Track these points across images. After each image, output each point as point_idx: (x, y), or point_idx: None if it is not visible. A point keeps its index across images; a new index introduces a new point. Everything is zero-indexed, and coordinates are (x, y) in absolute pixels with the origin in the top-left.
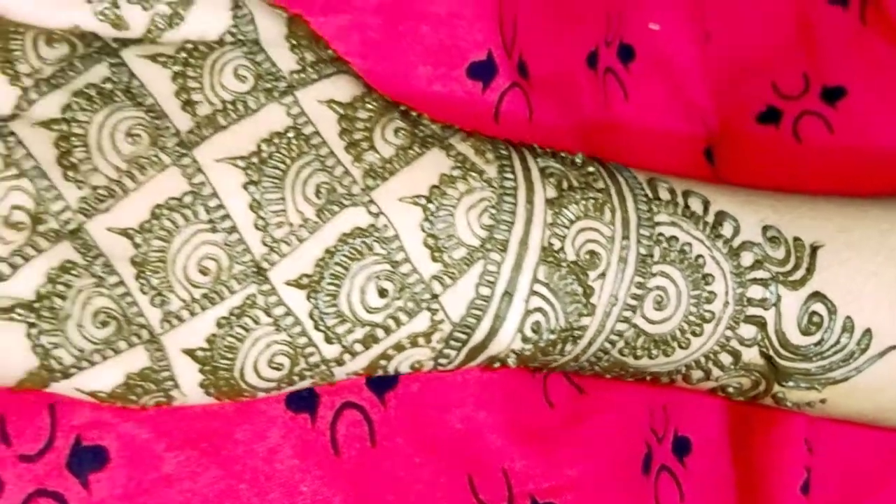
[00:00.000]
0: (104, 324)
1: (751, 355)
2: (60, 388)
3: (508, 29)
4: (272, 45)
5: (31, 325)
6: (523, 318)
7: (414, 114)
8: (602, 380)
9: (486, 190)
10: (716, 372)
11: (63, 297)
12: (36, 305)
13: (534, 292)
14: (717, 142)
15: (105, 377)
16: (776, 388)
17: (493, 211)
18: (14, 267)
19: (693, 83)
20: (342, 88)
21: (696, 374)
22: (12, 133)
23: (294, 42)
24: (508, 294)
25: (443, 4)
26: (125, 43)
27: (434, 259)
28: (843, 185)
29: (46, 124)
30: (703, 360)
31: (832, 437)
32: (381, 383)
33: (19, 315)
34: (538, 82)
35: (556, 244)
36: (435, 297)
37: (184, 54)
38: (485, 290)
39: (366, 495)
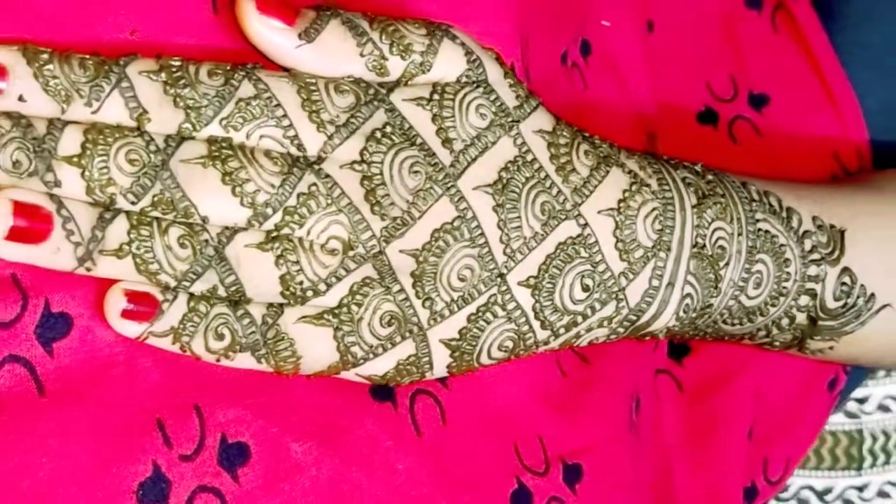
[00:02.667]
0: (389, 324)
1: (801, 318)
2: (346, 374)
3: (524, 43)
4: (497, 83)
5: (337, 328)
6: (680, 302)
7: (586, 134)
8: (601, 350)
9: (655, 201)
10: (774, 332)
11: (359, 305)
12: (337, 311)
13: (686, 281)
14: (657, 131)
15: (381, 365)
16: (807, 341)
17: (661, 218)
18: (329, 286)
19: (635, 76)
20: (545, 118)
21: (761, 333)
22: (328, 175)
23: (511, 81)
24: (671, 284)
25: (477, 23)
26: (385, 87)
27: (621, 259)
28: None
29: (351, 166)
30: (770, 323)
31: (772, 388)
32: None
33: (327, 320)
34: (536, 85)
35: (700, 241)
36: (622, 289)
37: (437, 96)
38: (655, 282)
39: (445, 467)
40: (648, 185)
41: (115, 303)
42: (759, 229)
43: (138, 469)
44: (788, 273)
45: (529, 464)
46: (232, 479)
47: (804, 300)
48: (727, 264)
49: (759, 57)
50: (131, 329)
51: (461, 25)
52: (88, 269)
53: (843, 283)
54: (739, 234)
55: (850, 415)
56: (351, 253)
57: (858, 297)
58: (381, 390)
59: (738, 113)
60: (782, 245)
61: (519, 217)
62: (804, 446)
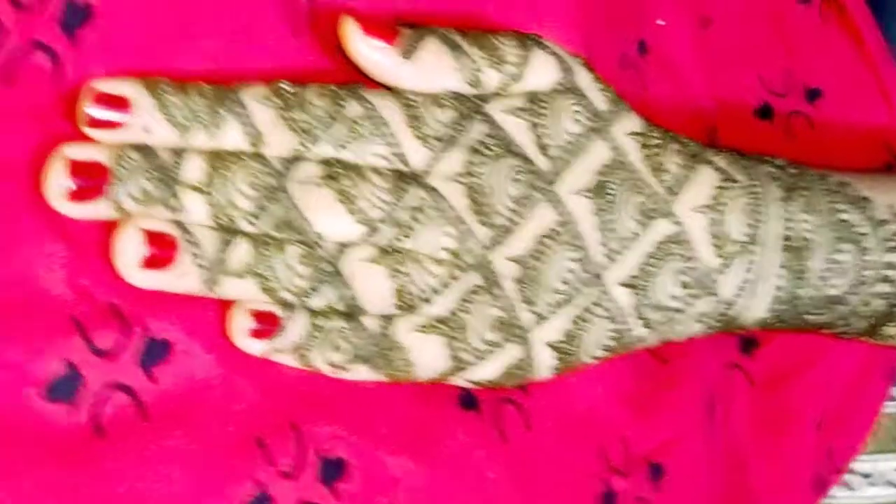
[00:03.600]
0: (496, 329)
1: (878, 305)
2: (454, 380)
3: (588, 48)
4: (589, 89)
5: (447, 335)
6: (771, 294)
7: (674, 133)
8: (679, 349)
9: (745, 196)
10: (853, 320)
11: (467, 312)
12: (446, 319)
13: (777, 274)
14: (717, 127)
15: (489, 370)
16: (881, 328)
17: (751, 212)
18: (438, 294)
19: (691, 73)
20: (635, 121)
21: (840, 322)
22: (434, 188)
23: (601, 85)
24: (763, 277)
25: (547, 31)
26: (484, 100)
27: (716, 255)
28: None
29: (455, 178)
30: (849, 312)
31: (837, 378)
32: None
33: (438, 328)
34: None
35: (789, 234)
36: (717, 284)
37: (532, 106)
38: (748, 276)
39: (532, 473)
40: (738, 181)
41: (241, 322)
42: (841, 220)
43: (244, 489)
44: (867, 261)
45: (615, 465)
46: (332, 494)
47: (882, 287)
48: (813, 256)
49: (811, 50)
50: (256, 347)
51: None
52: (213, 291)
53: None
54: (823, 226)
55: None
56: (459, 262)
57: None
58: (468, 400)
59: (793, 108)
60: (862, 234)
61: (617, 218)
62: (864, 434)
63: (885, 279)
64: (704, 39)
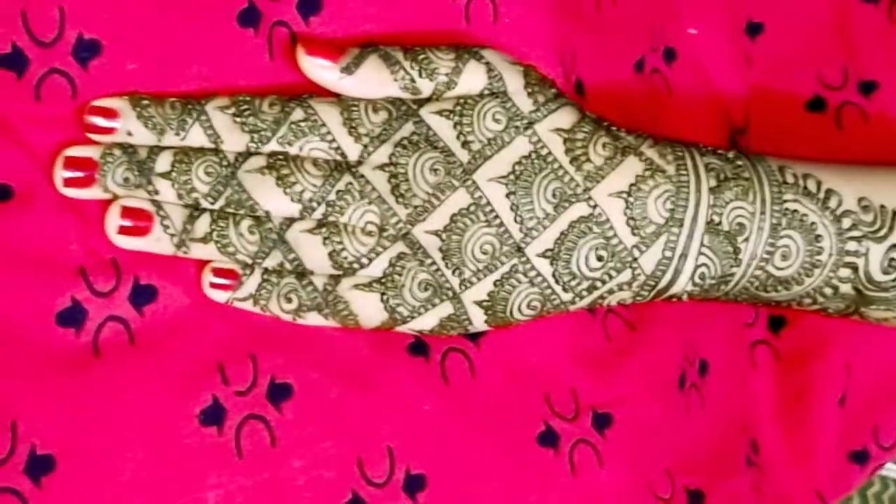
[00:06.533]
0: (426, 289)
1: (846, 288)
2: (400, 330)
3: (568, 59)
4: (516, 93)
5: (383, 293)
6: (693, 270)
7: (614, 128)
8: (650, 319)
9: (669, 184)
10: (820, 299)
11: (399, 275)
12: (383, 280)
13: (701, 253)
14: (750, 124)
15: (426, 321)
16: (863, 309)
17: (673, 198)
18: (370, 259)
19: (724, 75)
20: (565, 118)
21: (807, 300)
22: (362, 175)
23: (530, 90)
24: (684, 255)
25: (515, 50)
26: (419, 103)
27: (633, 234)
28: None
29: (381, 167)
30: (812, 292)
31: (872, 358)
32: (475, 332)
33: (374, 287)
34: (595, 93)
35: (716, 219)
36: (635, 259)
37: (459, 108)
38: (668, 253)
39: (470, 410)
40: (664, 171)
41: (206, 277)
42: (787, 209)
43: (200, 399)
44: (821, 248)
45: (559, 410)
46: (276, 411)
47: (844, 272)
48: (747, 239)
49: (872, 47)
50: (219, 296)
51: (505, 52)
52: (185, 253)
53: (892, 259)
54: (762, 213)
55: None
56: (384, 234)
57: None
58: (418, 348)
59: (846, 99)
60: (813, 223)
61: (531, 201)
62: None
63: (848, 265)
64: (749, 45)
